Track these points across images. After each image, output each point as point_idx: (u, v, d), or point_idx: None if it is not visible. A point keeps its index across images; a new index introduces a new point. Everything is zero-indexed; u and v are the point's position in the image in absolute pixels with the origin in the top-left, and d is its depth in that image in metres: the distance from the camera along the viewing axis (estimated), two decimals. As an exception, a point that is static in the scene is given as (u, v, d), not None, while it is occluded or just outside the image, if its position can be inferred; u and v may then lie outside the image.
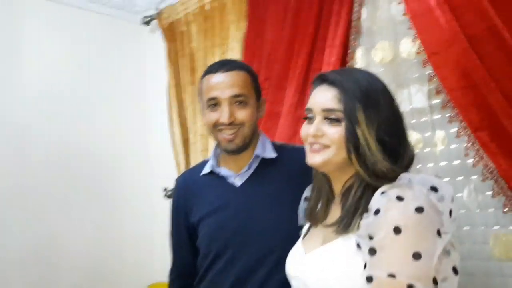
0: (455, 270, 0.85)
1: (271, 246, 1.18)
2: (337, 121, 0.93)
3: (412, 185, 0.85)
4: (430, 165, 1.68)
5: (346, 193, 0.96)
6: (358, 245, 0.85)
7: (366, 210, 0.87)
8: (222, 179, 1.30)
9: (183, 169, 2.49)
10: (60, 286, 2.34)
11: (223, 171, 1.30)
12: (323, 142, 0.94)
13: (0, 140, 2.25)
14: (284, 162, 1.28)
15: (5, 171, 2.25)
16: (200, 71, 2.45)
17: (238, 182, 1.28)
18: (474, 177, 1.55)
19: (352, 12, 1.82)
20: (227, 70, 1.23)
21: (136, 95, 2.86)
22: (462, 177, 1.60)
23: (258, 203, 1.23)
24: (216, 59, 2.35)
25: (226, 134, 1.22)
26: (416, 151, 1.61)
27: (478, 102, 1.43)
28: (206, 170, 1.33)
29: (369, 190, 0.90)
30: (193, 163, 2.40)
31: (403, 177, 0.89)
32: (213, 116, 1.23)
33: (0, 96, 2.28)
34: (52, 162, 2.42)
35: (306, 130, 0.98)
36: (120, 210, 2.67)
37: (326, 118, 0.94)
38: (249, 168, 1.28)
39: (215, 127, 1.24)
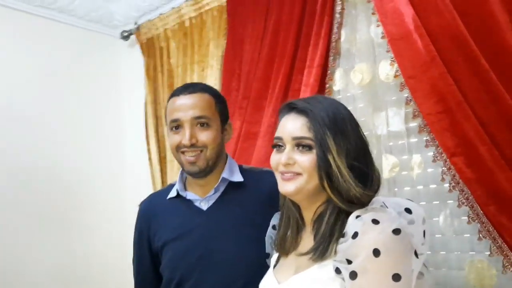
0: None
1: (235, 273, 1.17)
2: (308, 149, 0.93)
3: (386, 208, 0.86)
4: (407, 188, 1.67)
5: (318, 219, 0.95)
6: (337, 270, 0.85)
7: (341, 235, 0.87)
8: (189, 202, 1.28)
9: (159, 187, 2.43)
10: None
11: (189, 194, 1.28)
12: (295, 170, 0.94)
13: None
14: (251, 186, 1.26)
15: None
16: (178, 87, 2.42)
17: (204, 206, 1.26)
18: (450, 201, 1.54)
19: (331, 33, 1.82)
20: (190, 92, 1.23)
21: (112, 111, 2.80)
22: (438, 202, 1.59)
23: (224, 228, 1.21)
24: (195, 76, 2.33)
25: (189, 156, 1.21)
26: (393, 174, 1.62)
27: (453, 127, 1.43)
28: (173, 193, 1.31)
29: (343, 215, 0.90)
30: (170, 181, 2.35)
31: (376, 200, 0.89)
32: (176, 138, 1.22)
33: None
34: (18, 182, 2.31)
35: (277, 159, 0.97)
36: (91, 232, 2.58)
37: (297, 146, 0.94)
38: (215, 192, 1.26)
39: (178, 150, 1.23)
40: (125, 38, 2.74)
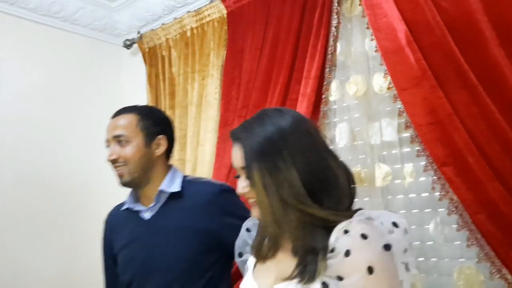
0: None
1: (171, 278, 1.29)
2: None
3: (372, 221, 0.86)
4: (400, 196, 1.73)
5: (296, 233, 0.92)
6: (324, 284, 0.84)
7: (326, 249, 0.86)
8: (136, 213, 1.40)
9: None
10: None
11: (137, 206, 1.40)
12: (251, 199, 0.96)
13: None
14: (191, 195, 1.37)
15: None
16: (180, 95, 2.48)
17: (147, 216, 1.38)
18: (441, 209, 1.60)
19: (327, 46, 1.88)
20: (116, 114, 1.41)
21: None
22: (430, 210, 1.65)
23: (163, 236, 1.33)
24: (196, 85, 2.39)
25: (116, 170, 1.36)
26: (386, 183, 1.68)
27: (443, 138, 1.49)
28: (125, 206, 1.44)
29: (319, 228, 0.89)
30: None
31: (360, 213, 0.89)
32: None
33: None
34: (21, 187, 2.34)
35: (238, 188, 0.99)
36: (91, 239, 2.56)
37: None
38: (156, 202, 1.37)
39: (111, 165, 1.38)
40: (128, 46, 2.81)
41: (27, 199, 2.37)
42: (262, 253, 1.03)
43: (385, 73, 1.71)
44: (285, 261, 0.94)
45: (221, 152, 2.15)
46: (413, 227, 1.70)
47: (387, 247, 0.82)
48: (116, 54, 2.89)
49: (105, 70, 2.84)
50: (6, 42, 2.41)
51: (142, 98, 2.69)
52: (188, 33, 2.49)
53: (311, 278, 0.85)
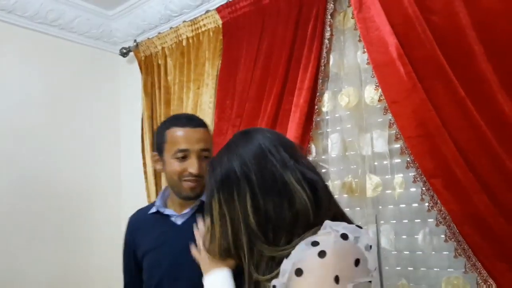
0: None
1: (199, 284, 1.26)
2: None
3: (331, 233, 0.84)
4: (390, 207, 1.76)
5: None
6: None
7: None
8: (166, 218, 1.41)
9: (153, 199, 2.50)
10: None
11: (167, 211, 1.41)
12: None
13: None
14: None
15: None
16: (175, 104, 2.51)
17: (178, 221, 1.39)
18: (430, 220, 1.63)
19: (320, 58, 1.91)
20: (195, 126, 1.35)
21: (110, 124, 2.88)
22: (419, 220, 1.68)
23: (193, 241, 1.31)
24: (191, 94, 2.42)
25: (191, 183, 1.32)
26: (376, 194, 1.71)
27: (432, 150, 1.52)
28: (153, 209, 1.44)
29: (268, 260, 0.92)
30: (164, 194, 2.42)
31: (326, 225, 0.87)
32: (180, 165, 1.32)
33: None
34: (16, 195, 2.37)
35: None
36: (87, 244, 2.64)
37: None
38: (191, 210, 1.39)
39: (180, 176, 1.33)
40: (124, 54, 2.83)
41: (26, 204, 2.39)
42: None
43: (376, 85, 1.75)
44: None
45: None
46: (404, 237, 1.73)
47: (322, 253, 0.80)
48: (112, 62, 2.92)
49: (102, 78, 2.87)
50: (4, 51, 2.43)
51: (138, 106, 2.72)
52: (184, 42, 2.52)
53: None
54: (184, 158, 1.32)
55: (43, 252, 2.43)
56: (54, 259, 2.47)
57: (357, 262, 0.82)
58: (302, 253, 0.82)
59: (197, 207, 1.38)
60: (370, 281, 0.84)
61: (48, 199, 2.49)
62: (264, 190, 0.90)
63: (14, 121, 2.42)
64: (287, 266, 0.83)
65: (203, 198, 1.36)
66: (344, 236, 0.83)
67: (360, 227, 0.90)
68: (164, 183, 2.51)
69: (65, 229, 2.55)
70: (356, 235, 0.85)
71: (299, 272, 0.80)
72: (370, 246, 0.86)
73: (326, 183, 0.99)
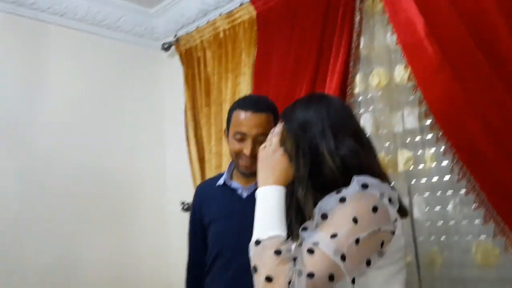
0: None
1: None
2: None
3: (353, 183, 0.97)
4: (423, 181, 1.85)
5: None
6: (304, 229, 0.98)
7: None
8: (232, 190, 1.54)
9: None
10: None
11: (234, 184, 1.54)
12: None
13: (24, 164, 2.43)
14: None
15: (28, 193, 2.42)
16: (214, 94, 2.67)
17: (244, 194, 1.52)
18: (462, 191, 1.70)
19: (351, 41, 2.01)
20: (257, 111, 1.45)
21: (155, 116, 3.09)
22: (452, 191, 1.76)
23: None
24: (229, 83, 2.56)
25: (246, 162, 1.46)
26: (408, 168, 1.80)
27: (460, 125, 1.59)
28: (220, 182, 1.58)
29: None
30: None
31: (353, 179, 0.98)
32: (238, 146, 1.46)
33: (23, 121, 2.47)
34: (72, 184, 2.58)
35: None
36: (138, 227, 2.85)
37: None
38: (255, 185, 1.47)
39: (237, 154, 1.47)
40: (166, 49, 3.02)
41: (78, 194, 2.61)
42: (294, 233, 1.14)
43: (406, 65, 1.82)
44: None
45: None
46: (437, 209, 1.81)
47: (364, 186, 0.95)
48: (155, 57, 3.12)
49: (145, 72, 3.08)
50: (57, 51, 2.67)
51: (180, 97, 2.90)
52: (221, 35, 2.66)
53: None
54: (241, 139, 1.44)
55: (96, 238, 2.65)
56: (106, 245, 2.68)
57: (375, 209, 0.92)
58: (327, 200, 0.96)
59: None
60: (393, 233, 0.96)
61: (99, 189, 2.70)
62: (303, 154, 1.04)
63: (66, 119, 2.63)
64: (315, 211, 0.96)
65: None
66: (364, 186, 0.95)
67: (390, 184, 1.02)
68: (208, 170, 2.68)
69: (116, 216, 2.77)
70: (380, 189, 0.97)
71: (324, 216, 0.93)
72: (391, 200, 0.97)
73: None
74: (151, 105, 3.07)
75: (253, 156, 1.42)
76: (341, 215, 0.92)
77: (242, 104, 1.49)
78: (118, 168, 2.82)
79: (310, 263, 0.86)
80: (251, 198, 1.44)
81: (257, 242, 0.94)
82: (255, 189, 1.45)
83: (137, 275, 2.77)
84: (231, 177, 1.57)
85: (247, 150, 1.42)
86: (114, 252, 2.71)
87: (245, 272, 1.36)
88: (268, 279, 0.87)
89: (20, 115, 2.47)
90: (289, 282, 0.85)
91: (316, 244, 0.89)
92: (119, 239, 2.75)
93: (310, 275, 0.85)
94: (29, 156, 2.46)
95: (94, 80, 2.81)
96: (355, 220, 0.90)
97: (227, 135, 1.53)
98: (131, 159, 2.90)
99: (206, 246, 1.56)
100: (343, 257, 0.87)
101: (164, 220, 2.94)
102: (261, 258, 0.91)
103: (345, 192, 0.95)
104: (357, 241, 0.88)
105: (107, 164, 2.77)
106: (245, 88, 2.47)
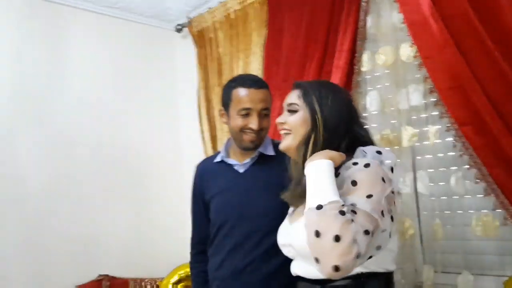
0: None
1: (260, 221, 1.50)
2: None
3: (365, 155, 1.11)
4: (427, 156, 1.89)
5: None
6: None
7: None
8: (230, 166, 1.62)
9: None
10: (103, 266, 2.65)
11: (230, 160, 1.63)
12: (285, 131, 1.29)
13: (48, 140, 2.57)
14: (279, 157, 1.49)
15: (53, 168, 2.57)
16: (226, 73, 2.73)
17: (241, 169, 1.60)
18: (465, 167, 1.75)
19: (358, 21, 2.04)
20: (259, 87, 1.53)
21: (169, 96, 3.18)
22: (456, 167, 1.81)
23: (256, 187, 1.55)
24: (241, 63, 2.62)
25: (251, 136, 1.53)
26: (412, 144, 1.85)
27: (464, 100, 1.63)
28: (218, 159, 1.66)
29: None
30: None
31: (359, 149, 1.14)
32: (243, 121, 1.52)
33: (47, 100, 2.60)
34: (93, 161, 2.73)
35: (279, 119, 1.31)
36: (155, 201, 2.98)
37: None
38: (251, 160, 1.59)
39: (241, 130, 1.53)
40: (179, 30, 3.09)
41: (101, 171, 2.76)
42: (294, 199, 1.25)
43: (412, 43, 1.85)
44: None
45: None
46: (441, 183, 1.86)
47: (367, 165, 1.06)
48: (168, 38, 3.20)
49: (160, 53, 3.16)
50: (75, 33, 2.76)
51: (193, 77, 2.97)
52: (232, 15, 2.71)
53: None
54: (246, 115, 1.52)
55: (118, 212, 2.79)
56: (127, 219, 2.83)
57: (392, 170, 1.07)
58: (350, 171, 1.06)
59: (256, 157, 1.59)
60: (393, 192, 1.06)
61: (120, 165, 2.84)
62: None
63: (87, 99, 2.76)
64: (342, 180, 1.05)
65: (261, 149, 1.58)
66: (379, 152, 1.10)
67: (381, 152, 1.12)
68: (219, 147, 2.76)
69: (136, 191, 2.90)
70: (389, 153, 1.12)
71: (354, 182, 1.02)
72: (392, 168, 1.08)
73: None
74: (165, 85, 3.16)
75: (259, 130, 1.51)
76: (371, 178, 1.02)
77: (242, 82, 1.56)
78: (137, 146, 2.95)
79: (358, 222, 0.94)
80: (248, 172, 1.61)
81: (319, 207, 0.98)
82: (252, 164, 1.61)
83: (155, 243, 2.92)
84: (228, 154, 1.66)
85: (254, 125, 1.50)
86: (134, 227, 2.86)
87: (246, 238, 1.52)
88: (337, 238, 0.92)
89: (46, 93, 2.61)
90: (354, 240, 0.92)
91: (354, 205, 0.97)
92: (138, 215, 2.89)
93: (366, 232, 0.93)
94: (55, 130, 2.61)
95: (112, 60, 2.90)
96: (383, 180, 1.02)
97: (227, 114, 1.59)
98: (148, 137, 3.01)
99: (209, 221, 1.65)
100: (382, 213, 0.98)
101: (181, 193, 3.01)
102: (325, 220, 0.95)
103: (366, 159, 1.06)
104: (386, 197, 1.00)
105: (126, 142, 2.90)
106: (256, 67, 2.52)
